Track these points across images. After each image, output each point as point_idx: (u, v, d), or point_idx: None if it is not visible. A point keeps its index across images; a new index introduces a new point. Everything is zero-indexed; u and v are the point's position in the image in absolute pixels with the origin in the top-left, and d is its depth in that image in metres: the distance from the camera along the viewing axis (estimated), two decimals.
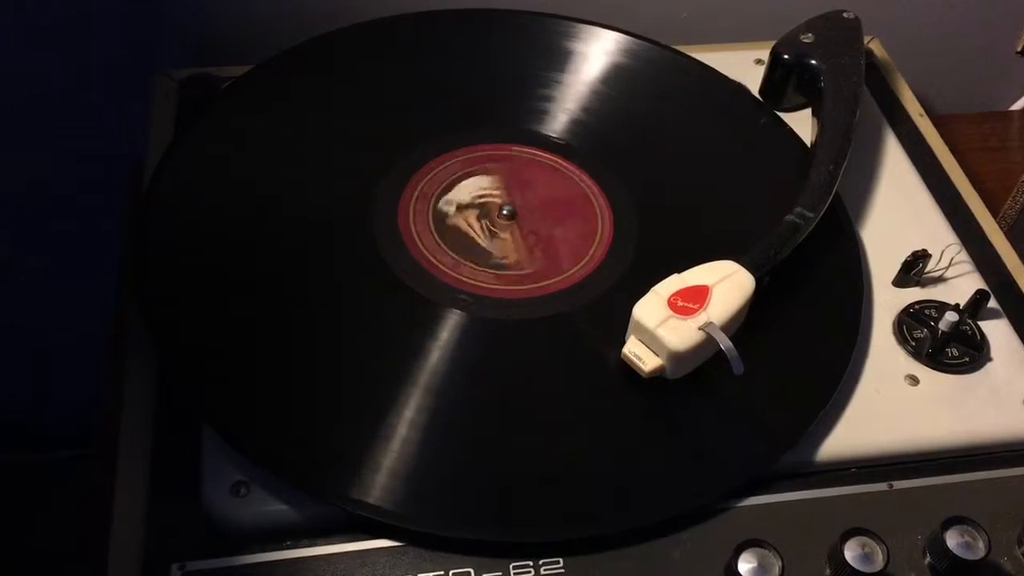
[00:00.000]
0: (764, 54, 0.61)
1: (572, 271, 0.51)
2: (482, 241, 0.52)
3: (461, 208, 0.53)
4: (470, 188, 0.54)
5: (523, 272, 0.51)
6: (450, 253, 0.51)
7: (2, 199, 0.76)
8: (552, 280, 0.50)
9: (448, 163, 0.55)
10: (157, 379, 0.48)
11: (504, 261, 0.51)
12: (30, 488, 0.97)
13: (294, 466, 0.42)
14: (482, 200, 0.54)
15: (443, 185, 0.54)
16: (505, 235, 0.53)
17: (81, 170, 0.74)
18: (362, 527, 0.42)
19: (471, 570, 0.41)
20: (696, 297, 0.45)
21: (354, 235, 0.51)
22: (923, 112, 0.65)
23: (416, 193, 0.53)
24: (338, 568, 0.41)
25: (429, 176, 0.54)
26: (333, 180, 0.54)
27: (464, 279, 0.50)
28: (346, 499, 0.42)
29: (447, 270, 0.50)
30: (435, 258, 0.50)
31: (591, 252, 0.52)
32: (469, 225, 0.52)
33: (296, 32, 0.60)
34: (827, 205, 0.51)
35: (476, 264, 0.51)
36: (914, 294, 0.53)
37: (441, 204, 0.52)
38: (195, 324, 0.47)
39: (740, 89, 0.61)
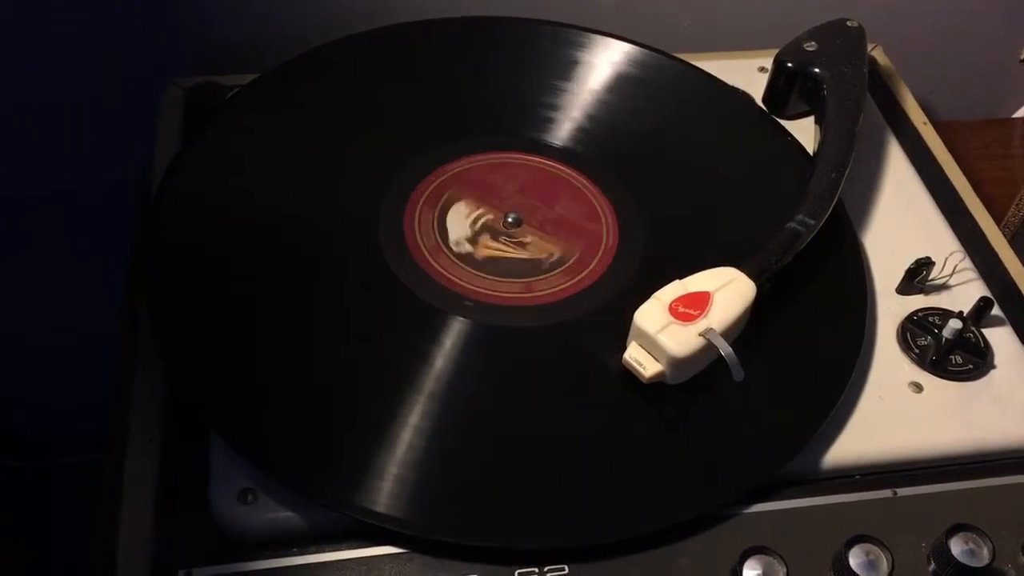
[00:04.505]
0: (768, 62, 0.61)
1: (594, 260, 0.51)
2: (521, 255, 0.52)
3: (473, 240, 0.52)
4: (460, 221, 0.53)
5: (576, 256, 0.51)
6: (512, 280, 0.51)
7: (11, 204, 0.76)
8: (601, 250, 0.52)
9: (419, 203, 0.54)
10: (165, 386, 0.48)
11: (554, 258, 0.51)
12: (33, 493, 0.97)
13: (301, 473, 0.43)
14: (481, 223, 0.53)
15: (437, 227, 0.53)
16: (529, 238, 0.53)
17: (90, 176, 0.74)
18: (368, 534, 0.42)
19: None
20: (697, 303, 0.45)
21: (362, 247, 0.51)
22: (926, 120, 0.65)
23: (419, 242, 0.52)
24: (344, 575, 0.42)
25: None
26: (339, 189, 0.54)
27: (544, 292, 0.50)
28: (352, 506, 0.42)
29: (519, 294, 0.50)
30: (494, 290, 0.50)
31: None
32: (497, 249, 0.51)
33: (301, 42, 0.60)
34: (829, 212, 0.51)
35: (541, 274, 0.51)
36: (918, 301, 0.53)
37: (455, 248, 0.52)
38: (202, 332, 0.47)
39: (743, 97, 0.61)
